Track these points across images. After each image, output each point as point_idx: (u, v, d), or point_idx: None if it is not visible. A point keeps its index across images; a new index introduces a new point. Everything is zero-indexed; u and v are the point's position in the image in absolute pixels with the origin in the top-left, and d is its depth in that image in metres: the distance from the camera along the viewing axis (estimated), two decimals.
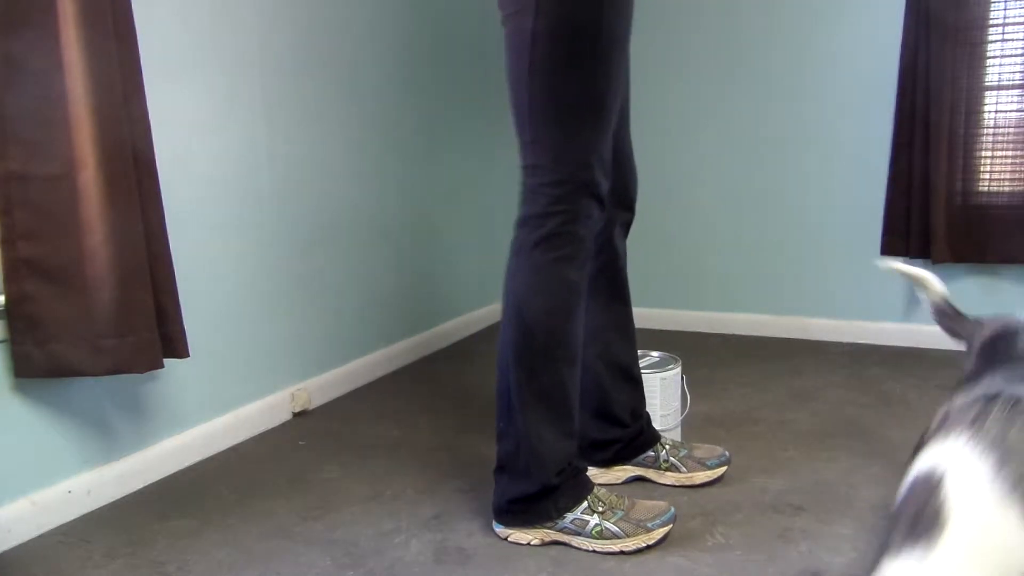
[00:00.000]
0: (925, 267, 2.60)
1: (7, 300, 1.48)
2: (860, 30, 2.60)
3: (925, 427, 0.90)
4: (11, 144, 1.44)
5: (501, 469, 1.48)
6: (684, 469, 1.65)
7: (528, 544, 1.46)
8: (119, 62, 1.52)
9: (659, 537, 1.43)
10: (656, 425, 1.70)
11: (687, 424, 1.90)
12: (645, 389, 1.69)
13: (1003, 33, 2.39)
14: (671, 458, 1.66)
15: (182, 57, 1.82)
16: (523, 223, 1.42)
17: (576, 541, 1.44)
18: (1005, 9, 2.38)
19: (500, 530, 1.48)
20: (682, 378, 1.81)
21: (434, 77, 2.80)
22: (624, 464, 1.68)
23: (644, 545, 1.42)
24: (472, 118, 3.08)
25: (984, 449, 0.79)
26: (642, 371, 1.70)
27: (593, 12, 1.32)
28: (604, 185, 1.41)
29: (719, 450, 1.69)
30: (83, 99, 1.46)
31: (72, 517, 1.61)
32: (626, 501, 1.46)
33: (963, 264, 2.54)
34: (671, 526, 1.45)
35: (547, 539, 1.46)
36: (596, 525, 1.42)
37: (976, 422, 0.82)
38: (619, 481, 1.68)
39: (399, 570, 1.37)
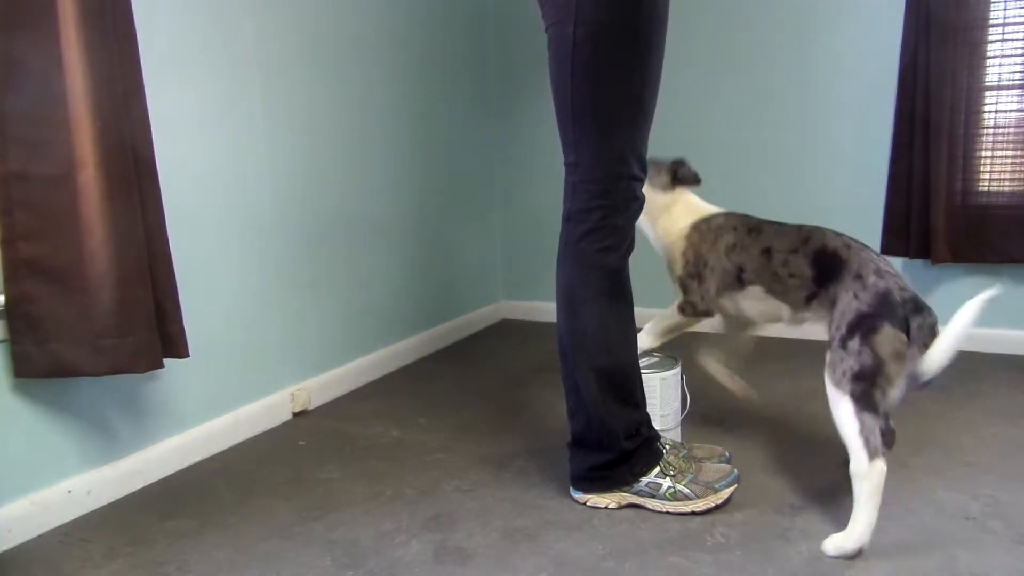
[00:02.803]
0: (925, 267, 2.64)
1: (7, 300, 1.48)
2: (860, 30, 2.60)
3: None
4: (11, 144, 1.44)
5: (577, 443, 1.58)
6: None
7: (606, 507, 1.55)
8: (119, 62, 1.52)
9: (726, 497, 1.53)
10: (656, 425, 1.70)
11: (687, 424, 1.90)
12: (645, 389, 1.69)
13: (1003, 33, 2.39)
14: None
15: (182, 57, 1.82)
16: (568, 218, 1.51)
17: (651, 503, 1.54)
18: (1005, 9, 2.38)
19: (578, 496, 1.59)
20: (682, 378, 1.81)
21: (434, 77, 2.80)
22: None
23: (713, 505, 1.52)
24: (472, 118, 3.08)
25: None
26: (642, 371, 1.70)
27: (630, 19, 1.37)
28: (642, 179, 1.51)
29: (719, 450, 1.69)
30: (83, 99, 1.46)
31: (72, 517, 1.61)
32: (694, 464, 1.56)
33: (963, 264, 2.54)
34: (736, 486, 1.55)
35: (623, 502, 1.56)
36: (670, 488, 1.52)
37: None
38: None
39: (399, 570, 1.37)
